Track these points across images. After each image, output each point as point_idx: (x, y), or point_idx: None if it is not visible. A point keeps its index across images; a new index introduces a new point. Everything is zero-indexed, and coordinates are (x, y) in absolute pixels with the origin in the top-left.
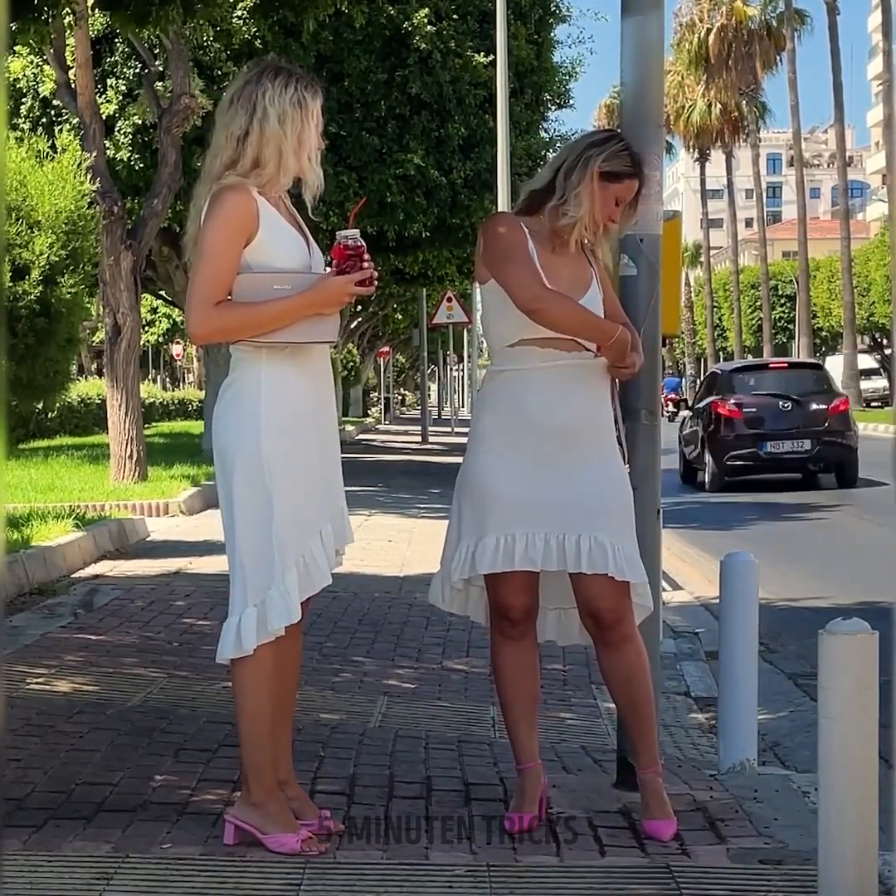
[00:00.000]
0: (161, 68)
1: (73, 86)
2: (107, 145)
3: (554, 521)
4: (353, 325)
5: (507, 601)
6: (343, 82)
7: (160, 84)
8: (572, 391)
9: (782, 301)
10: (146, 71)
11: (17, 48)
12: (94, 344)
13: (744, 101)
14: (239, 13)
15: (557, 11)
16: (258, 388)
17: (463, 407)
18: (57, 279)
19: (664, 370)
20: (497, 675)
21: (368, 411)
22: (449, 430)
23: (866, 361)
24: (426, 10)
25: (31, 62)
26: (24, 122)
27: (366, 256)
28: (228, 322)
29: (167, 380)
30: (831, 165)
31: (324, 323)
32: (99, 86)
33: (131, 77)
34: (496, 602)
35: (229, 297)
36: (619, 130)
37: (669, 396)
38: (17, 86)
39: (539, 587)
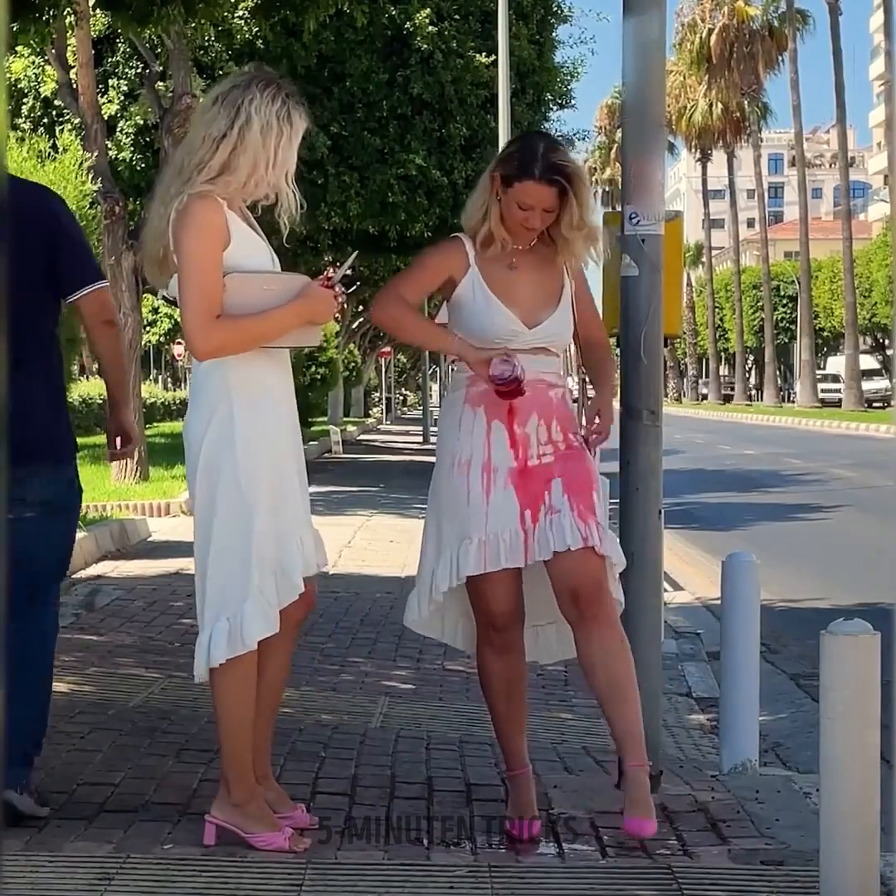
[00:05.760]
0: (162, 68)
1: (74, 86)
2: (108, 145)
3: (530, 513)
4: (355, 326)
5: (492, 607)
6: (345, 82)
7: (161, 84)
8: (530, 405)
9: (784, 301)
10: (147, 71)
11: (18, 48)
12: None
13: (746, 102)
14: (240, 13)
15: (559, 11)
16: (229, 392)
17: None
18: None
19: (666, 370)
20: (487, 688)
21: (370, 411)
22: None
23: (868, 362)
24: (428, 11)
25: (33, 62)
26: (26, 123)
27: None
28: (233, 336)
29: (168, 380)
30: (833, 166)
31: (311, 329)
32: (100, 86)
33: (133, 77)
34: (482, 610)
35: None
36: (530, 136)
37: None
38: (19, 86)
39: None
